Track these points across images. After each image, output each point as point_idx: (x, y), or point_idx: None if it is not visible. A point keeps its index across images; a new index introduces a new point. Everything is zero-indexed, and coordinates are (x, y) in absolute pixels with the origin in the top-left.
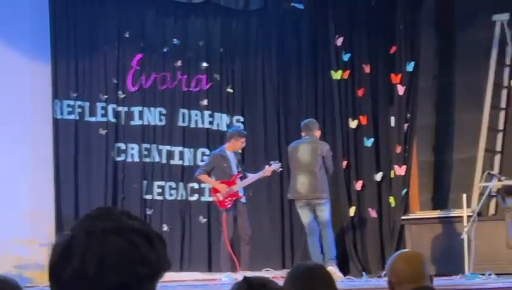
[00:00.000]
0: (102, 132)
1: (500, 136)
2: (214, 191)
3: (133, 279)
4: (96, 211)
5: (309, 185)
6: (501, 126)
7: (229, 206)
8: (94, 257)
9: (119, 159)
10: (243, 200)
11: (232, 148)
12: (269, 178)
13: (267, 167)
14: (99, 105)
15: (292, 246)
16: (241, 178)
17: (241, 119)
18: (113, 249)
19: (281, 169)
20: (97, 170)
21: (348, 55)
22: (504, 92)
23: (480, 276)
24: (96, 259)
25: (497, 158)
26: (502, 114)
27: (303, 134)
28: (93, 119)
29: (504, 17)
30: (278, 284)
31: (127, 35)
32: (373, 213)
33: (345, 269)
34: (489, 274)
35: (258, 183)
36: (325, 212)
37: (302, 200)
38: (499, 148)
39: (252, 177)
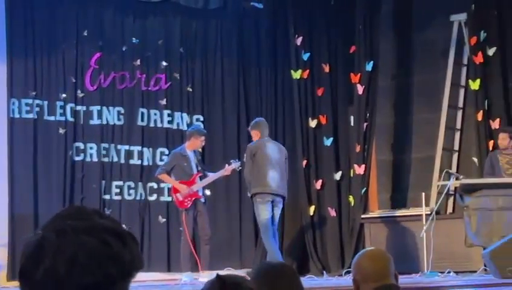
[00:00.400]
0: (61, 131)
1: (457, 135)
2: (174, 190)
3: (106, 278)
4: (67, 211)
5: (279, 181)
6: (458, 125)
7: (189, 206)
8: (65, 256)
9: (77, 158)
10: (203, 200)
11: (192, 147)
12: (228, 177)
13: (226, 165)
14: (58, 104)
15: (251, 245)
16: (201, 177)
17: (201, 118)
18: (84, 248)
19: (240, 168)
20: (56, 169)
21: (308, 54)
22: (461, 92)
23: (439, 274)
24: (67, 259)
25: (455, 157)
26: (460, 113)
27: (257, 132)
28: (52, 118)
29: (461, 17)
30: (251, 283)
31: (85, 34)
32: (332, 212)
33: (305, 268)
34: (448, 272)
35: (217, 182)
36: (280, 211)
37: (270, 194)
38: (456, 147)
39: (211, 177)
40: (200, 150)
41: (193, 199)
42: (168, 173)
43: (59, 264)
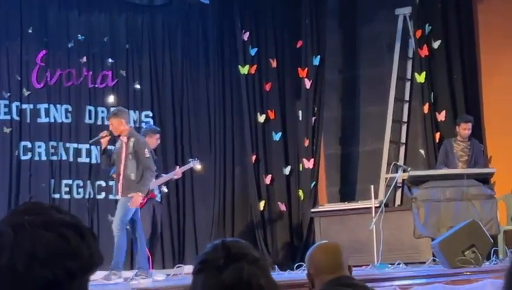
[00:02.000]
0: (7, 130)
1: (404, 128)
2: None
3: (65, 273)
4: (24, 206)
5: None
6: (405, 118)
7: (142, 205)
8: (23, 252)
9: (25, 157)
10: (158, 199)
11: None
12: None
13: (177, 167)
14: (2, 103)
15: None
16: (156, 177)
17: (150, 114)
18: (42, 243)
19: (200, 166)
20: (1, 169)
21: (255, 50)
22: (407, 85)
23: (389, 266)
24: (25, 254)
25: (402, 150)
26: (406, 106)
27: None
28: None
29: (406, 10)
30: (257, 253)
31: (30, 31)
32: (282, 207)
33: None
34: (398, 263)
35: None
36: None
37: None
38: (403, 140)
39: (166, 176)
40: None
41: (146, 198)
42: None
43: (17, 260)
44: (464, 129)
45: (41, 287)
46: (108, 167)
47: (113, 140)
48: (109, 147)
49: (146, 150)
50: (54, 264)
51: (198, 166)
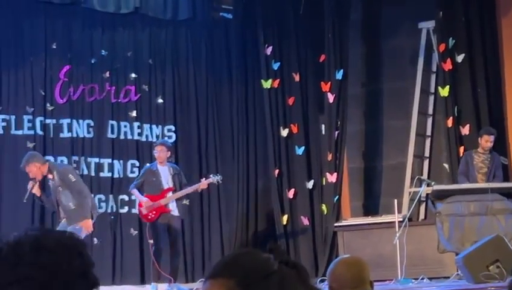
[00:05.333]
0: (30, 145)
1: (428, 142)
2: (139, 204)
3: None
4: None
5: None
6: (429, 132)
7: (153, 219)
8: (29, 242)
9: None
10: (174, 213)
11: (160, 160)
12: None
13: (203, 179)
14: (25, 118)
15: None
16: (173, 192)
17: (173, 128)
18: (50, 237)
19: (220, 182)
20: (24, 184)
21: (278, 64)
22: (431, 99)
23: (413, 280)
24: (31, 244)
25: (426, 164)
26: (430, 120)
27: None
28: (19, 132)
29: (430, 24)
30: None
31: (54, 47)
32: (305, 221)
33: None
34: (422, 278)
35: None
36: None
37: None
38: (427, 154)
39: (183, 191)
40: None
41: (159, 212)
42: (138, 188)
43: (24, 250)
44: (486, 141)
45: None
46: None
47: (43, 183)
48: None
49: (70, 175)
50: (60, 256)
51: (219, 181)
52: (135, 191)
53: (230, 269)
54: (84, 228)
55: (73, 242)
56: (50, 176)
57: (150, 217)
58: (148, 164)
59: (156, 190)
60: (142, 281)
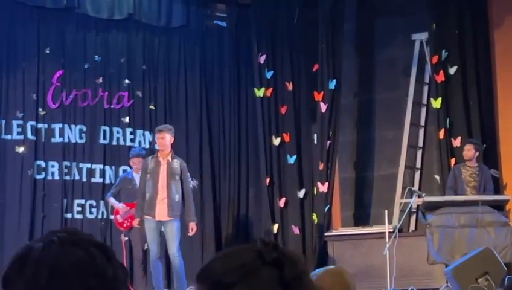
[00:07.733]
0: (19, 149)
1: (419, 153)
2: (115, 212)
3: None
4: (62, 229)
5: None
6: (420, 143)
7: (128, 227)
8: (47, 266)
9: (39, 177)
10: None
11: (136, 170)
12: None
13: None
14: (15, 123)
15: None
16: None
17: None
18: (67, 258)
19: (196, 187)
20: (13, 188)
21: (271, 72)
22: (423, 110)
23: None
24: (49, 269)
25: (417, 175)
26: (421, 132)
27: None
28: (8, 137)
29: (423, 36)
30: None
31: (47, 52)
32: (296, 230)
33: None
34: (411, 289)
35: None
36: None
37: None
38: (418, 165)
39: None
40: None
41: (133, 220)
42: (115, 196)
43: (41, 274)
44: (466, 150)
45: None
46: None
47: None
48: None
49: None
50: (75, 280)
51: (194, 186)
52: (111, 199)
53: (202, 275)
54: None
55: (92, 261)
56: None
57: (125, 225)
58: (124, 173)
59: (132, 197)
60: (132, 286)
